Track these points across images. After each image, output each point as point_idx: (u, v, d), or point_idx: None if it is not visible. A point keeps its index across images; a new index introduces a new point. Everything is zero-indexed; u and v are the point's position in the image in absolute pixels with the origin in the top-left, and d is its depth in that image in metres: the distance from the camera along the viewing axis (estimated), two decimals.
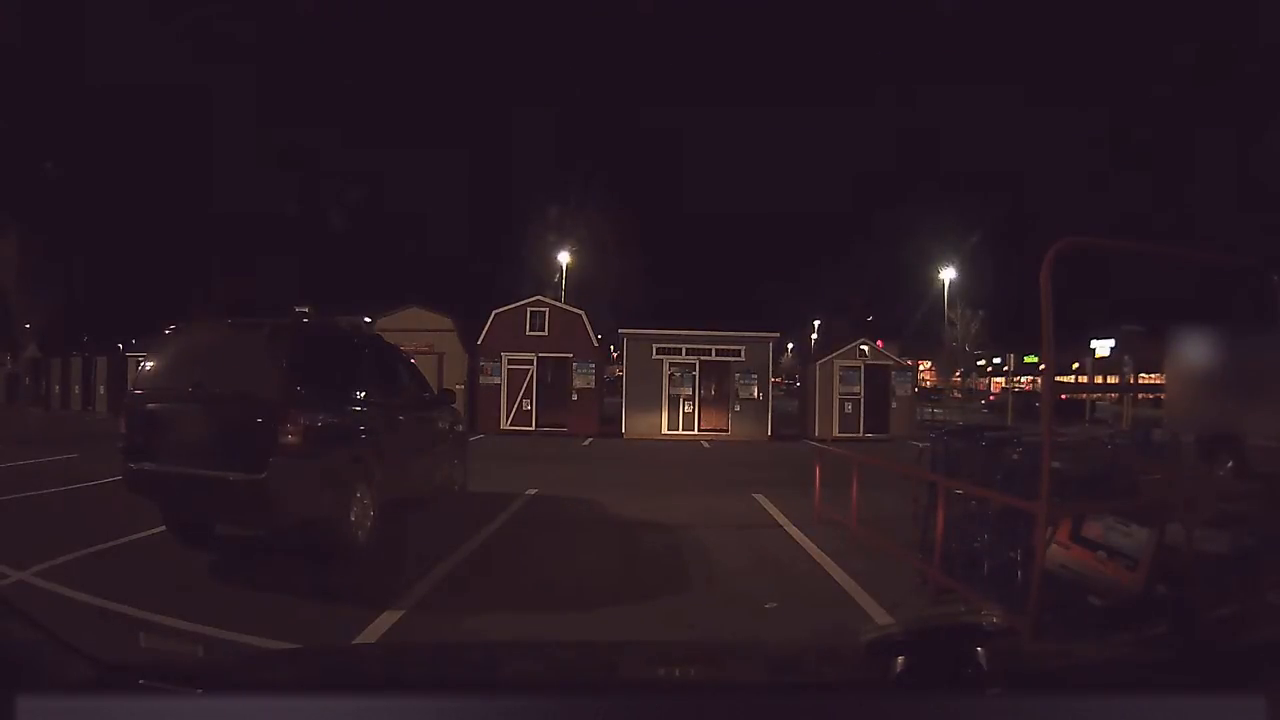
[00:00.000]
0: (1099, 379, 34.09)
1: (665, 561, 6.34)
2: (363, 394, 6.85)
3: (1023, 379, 48.10)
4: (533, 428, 20.48)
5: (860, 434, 20.51)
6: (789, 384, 46.86)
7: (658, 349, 20.78)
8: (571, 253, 34.62)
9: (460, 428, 9.31)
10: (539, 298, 22.83)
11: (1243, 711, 1.22)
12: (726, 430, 20.48)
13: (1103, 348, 46.13)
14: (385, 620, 4.56)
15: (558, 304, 22.89)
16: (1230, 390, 12.41)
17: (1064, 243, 4.23)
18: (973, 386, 52.09)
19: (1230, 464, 11.43)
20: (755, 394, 20.78)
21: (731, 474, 12.64)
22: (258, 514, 5.90)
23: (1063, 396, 24.13)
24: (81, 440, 13.54)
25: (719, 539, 7.18)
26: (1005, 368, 55.72)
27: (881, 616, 4.80)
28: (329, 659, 2.13)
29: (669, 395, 20.68)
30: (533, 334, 20.93)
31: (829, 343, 29.90)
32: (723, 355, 20.87)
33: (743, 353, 20.87)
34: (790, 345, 61.18)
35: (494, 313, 21.18)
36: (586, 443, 18.45)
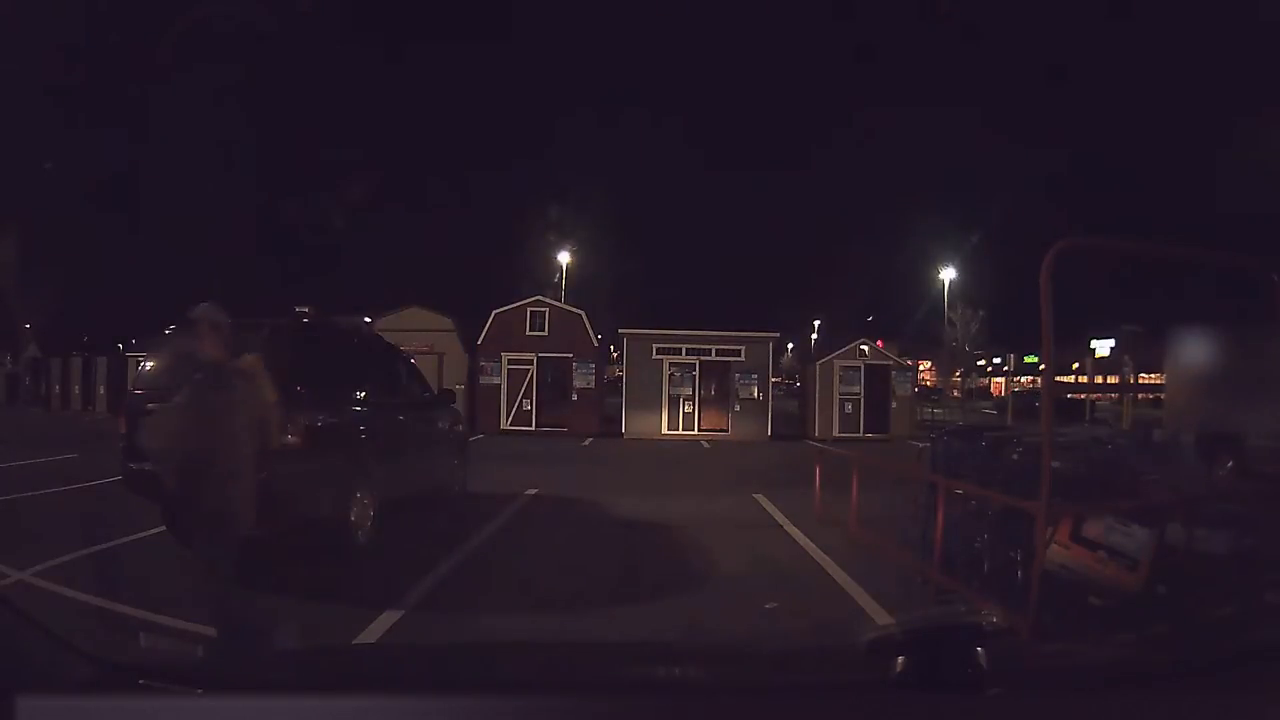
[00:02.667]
0: (1099, 379, 34.07)
1: (665, 561, 6.34)
2: (363, 394, 6.85)
3: (1023, 378, 48.13)
4: (533, 428, 20.47)
5: (860, 434, 20.50)
6: (789, 384, 46.83)
7: (658, 349, 20.78)
8: (571, 253, 34.64)
9: (460, 428, 9.31)
10: (539, 298, 22.82)
11: (1243, 711, 1.22)
12: (726, 430, 20.48)
13: (1103, 348, 46.13)
14: (385, 620, 4.56)
15: (558, 304, 22.88)
16: (1230, 390, 12.41)
17: (1064, 243, 4.23)
18: (974, 386, 52.06)
19: (1230, 464, 11.43)
20: (755, 394, 20.77)
21: (731, 474, 12.64)
22: (258, 514, 5.89)
23: (1068, 396, 24.16)
24: (81, 440, 13.54)
25: (719, 539, 7.18)
26: (1005, 368, 55.71)
27: (881, 616, 4.80)
28: (329, 659, 2.13)
29: (669, 395, 20.67)
30: (533, 334, 20.92)
31: (829, 343, 29.91)
32: (723, 355, 20.87)
33: (743, 353, 20.87)
34: (790, 345, 61.13)
35: (494, 313, 21.17)
36: (586, 443, 18.45)
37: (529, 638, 4.15)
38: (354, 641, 4.12)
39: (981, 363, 54.65)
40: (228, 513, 3.78)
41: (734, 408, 20.69)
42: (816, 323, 54.46)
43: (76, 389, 25.83)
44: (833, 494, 8.06)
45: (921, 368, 47.05)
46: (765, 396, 20.93)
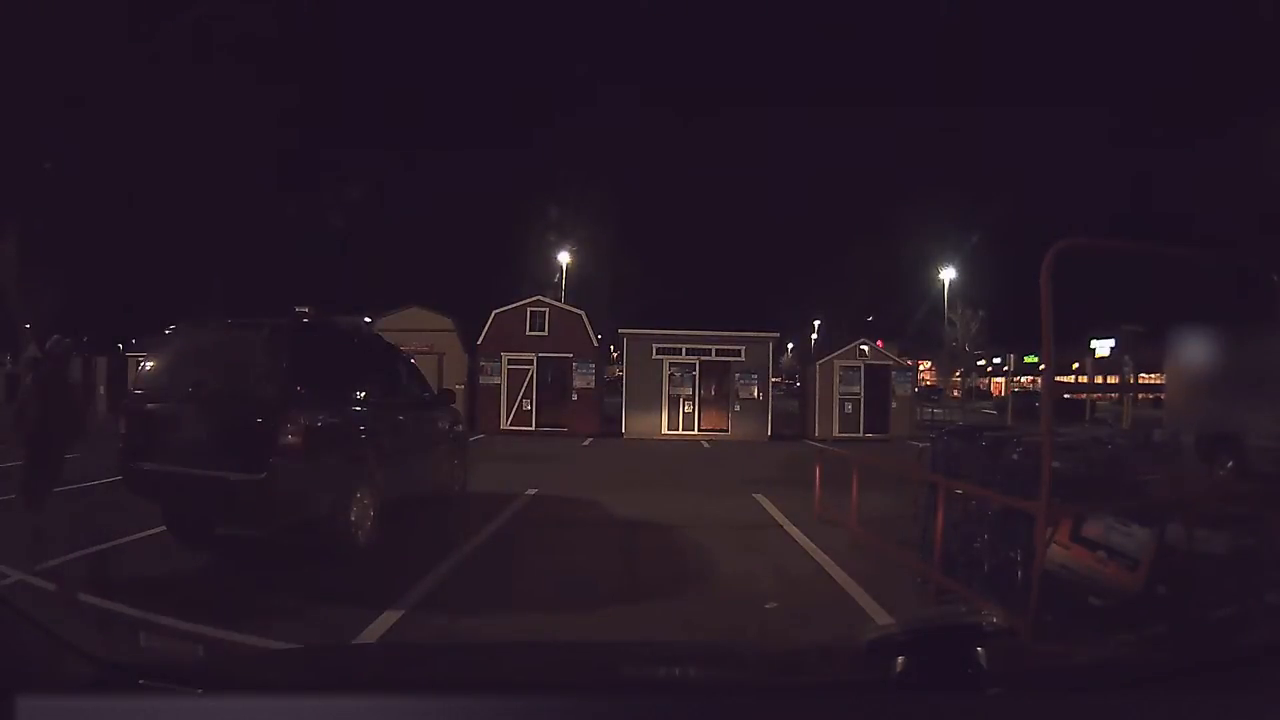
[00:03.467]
0: (1099, 379, 34.10)
1: (665, 561, 6.34)
2: (363, 394, 6.85)
3: (1023, 378, 48.16)
4: (533, 428, 20.47)
5: (860, 434, 20.50)
6: (789, 384, 46.83)
7: (658, 349, 20.78)
8: (571, 253, 34.65)
9: (460, 428, 9.31)
10: (539, 298, 22.82)
11: (1243, 711, 1.22)
12: (726, 430, 20.48)
13: (1103, 348, 46.15)
14: (385, 620, 4.56)
15: (558, 304, 22.88)
16: (1230, 390, 12.43)
17: (1064, 243, 4.23)
18: (975, 386, 52.07)
19: (1230, 464, 11.44)
20: (755, 394, 20.77)
21: (731, 474, 12.64)
22: (258, 514, 5.90)
23: (1065, 396, 24.16)
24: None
25: (719, 539, 7.18)
26: (1005, 368, 55.73)
27: (882, 617, 4.80)
28: (329, 659, 2.13)
29: (669, 395, 20.67)
30: (533, 334, 20.92)
31: (829, 343, 29.90)
32: (723, 355, 20.87)
33: (743, 353, 20.87)
34: (790, 345, 61.16)
35: (494, 313, 21.17)
36: (586, 443, 18.45)
37: (529, 638, 4.16)
38: (354, 641, 4.12)
39: (981, 363, 54.66)
40: (55, 451, 6.08)
41: (734, 408, 20.69)
42: (816, 323, 54.55)
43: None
44: (833, 494, 8.07)
45: (921, 368, 47.05)
46: (765, 396, 20.93)
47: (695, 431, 20.46)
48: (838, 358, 21.62)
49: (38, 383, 6.20)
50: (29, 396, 6.10)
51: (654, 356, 20.73)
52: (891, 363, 22.28)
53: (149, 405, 6.10)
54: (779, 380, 40.67)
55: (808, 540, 7.13)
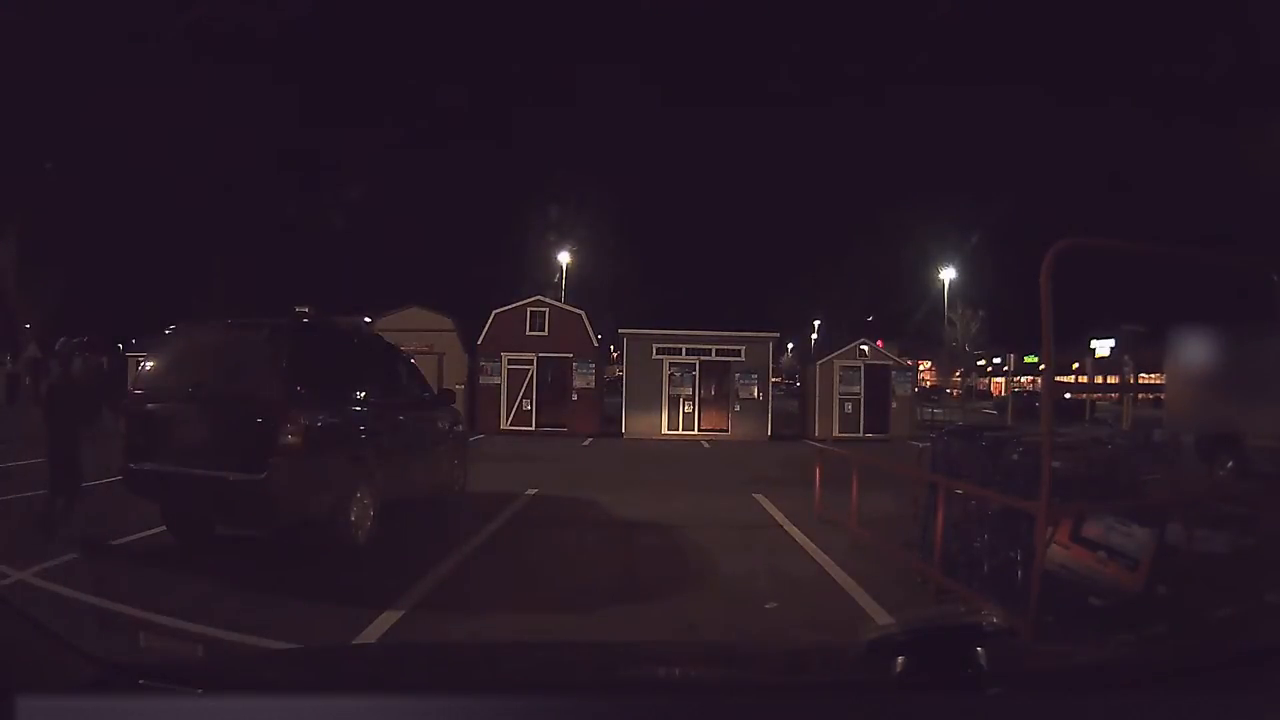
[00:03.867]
0: (1099, 379, 34.12)
1: (665, 562, 6.34)
2: (363, 394, 6.85)
3: (1023, 378, 48.17)
4: (533, 428, 20.47)
5: (860, 434, 20.50)
6: (789, 384, 46.80)
7: (658, 349, 20.77)
8: (571, 252, 34.66)
9: (460, 428, 9.31)
10: (539, 298, 22.81)
11: (1243, 711, 1.22)
12: (726, 430, 20.47)
13: (1103, 348, 46.15)
14: (385, 620, 4.56)
15: (558, 304, 22.88)
16: (1230, 390, 12.41)
17: (1064, 243, 4.23)
18: (975, 386, 52.08)
19: (1230, 464, 11.44)
20: (755, 394, 20.76)
21: (731, 474, 12.65)
22: (258, 514, 5.90)
23: (1066, 396, 24.16)
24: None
25: (719, 539, 7.18)
26: (1005, 368, 55.74)
27: (882, 617, 4.79)
28: (329, 659, 2.13)
29: (669, 395, 20.67)
30: (533, 334, 20.91)
31: (829, 343, 29.89)
32: (723, 355, 20.87)
33: (743, 353, 20.87)
34: (790, 345, 61.12)
35: (494, 313, 21.16)
36: (586, 443, 18.44)
37: (529, 638, 4.16)
38: (354, 641, 4.12)
39: (981, 363, 54.65)
40: (77, 451, 6.73)
41: (734, 408, 20.69)
42: (816, 323, 54.50)
43: None
44: (833, 494, 8.07)
45: (921, 368, 47.04)
46: (765, 396, 20.92)
47: (695, 431, 20.46)
48: (838, 358, 21.62)
49: (47, 392, 6.98)
50: (39, 403, 6.91)
51: (654, 356, 20.73)
52: (891, 363, 22.28)
53: (149, 405, 6.10)
54: (779, 380, 40.67)
55: (808, 540, 7.13)
